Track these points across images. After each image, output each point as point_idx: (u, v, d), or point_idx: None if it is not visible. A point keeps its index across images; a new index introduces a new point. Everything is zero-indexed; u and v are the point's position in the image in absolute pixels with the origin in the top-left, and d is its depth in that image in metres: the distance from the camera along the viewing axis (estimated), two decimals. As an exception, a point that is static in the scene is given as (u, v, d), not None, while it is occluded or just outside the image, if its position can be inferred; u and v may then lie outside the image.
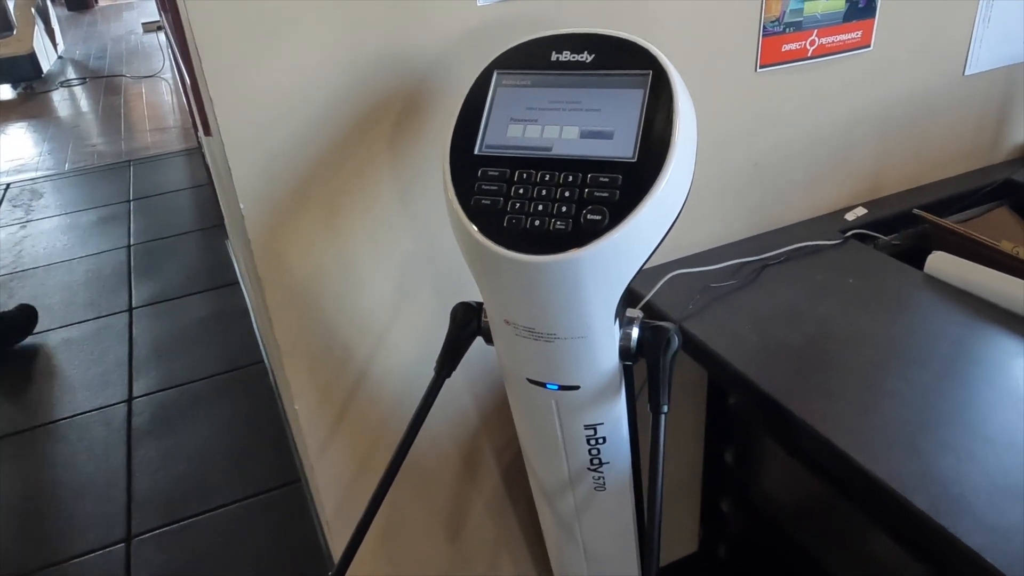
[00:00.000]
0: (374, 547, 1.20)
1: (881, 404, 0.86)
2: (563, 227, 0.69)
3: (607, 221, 0.68)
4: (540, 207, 0.71)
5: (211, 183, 3.29)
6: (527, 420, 0.92)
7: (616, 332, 0.78)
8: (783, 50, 1.10)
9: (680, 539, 1.55)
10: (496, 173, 0.74)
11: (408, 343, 1.05)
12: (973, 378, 0.89)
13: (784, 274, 1.13)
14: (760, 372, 0.93)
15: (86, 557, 1.81)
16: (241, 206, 0.87)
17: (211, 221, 3.42)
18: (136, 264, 3.14)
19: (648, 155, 0.70)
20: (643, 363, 0.82)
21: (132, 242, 3.32)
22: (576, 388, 0.81)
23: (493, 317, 0.80)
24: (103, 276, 3.06)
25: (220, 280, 2.95)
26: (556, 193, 0.71)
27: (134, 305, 2.84)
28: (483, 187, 0.73)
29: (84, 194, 3.85)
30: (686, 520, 1.54)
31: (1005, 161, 1.43)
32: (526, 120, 0.76)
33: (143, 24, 7.39)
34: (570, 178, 0.71)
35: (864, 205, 1.30)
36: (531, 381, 0.83)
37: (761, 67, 1.10)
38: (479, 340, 0.91)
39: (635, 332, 0.80)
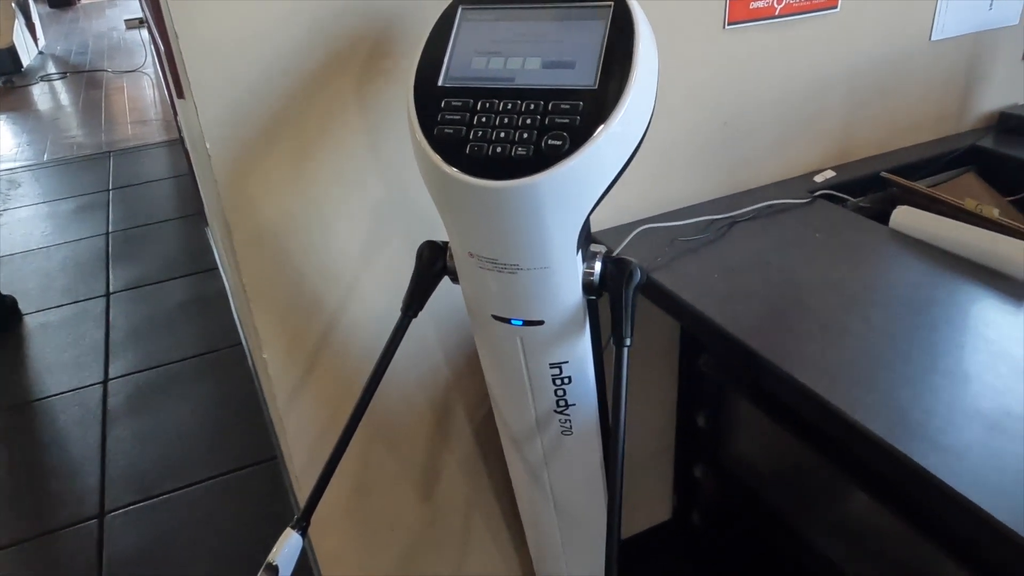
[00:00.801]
0: (345, 506, 1.20)
1: (843, 343, 0.88)
2: (524, 153, 0.70)
3: (568, 146, 0.69)
4: (502, 135, 0.71)
5: (191, 172, 3.27)
6: (494, 361, 0.92)
7: (579, 265, 0.79)
8: (751, 7, 1.12)
9: (653, 507, 1.56)
10: (459, 103, 0.74)
11: (379, 291, 1.05)
12: (933, 320, 0.90)
13: (752, 230, 1.14)
14: (725, 316, 0.94)
15: (59, 532, 1.79)
16: (208, 146, 0.87)
17: (191, 209, 3.41)
18: (114, 251, 3.12)
19: (609, 83, 0.71)
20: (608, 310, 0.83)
21: (111, 230, 3.30)
22: (540, 323, 0.82)
23: (457, 251, 0.81)
24: (81, 263, 3.04)
25: (199, 266, 2.94)
26: (518, 121, 0.71)
27: (112, 290, 2.82)
28: (446, 117, 0.74)
29: (62, 184, 3.82)
30: (659, 488, 1.54)
31: (973, 129, 1.45)
32: (490, 53, 0.76)
33: (125, 21, 7.36)
34: (532, 106, 0.72)
35: (833, 169, 1.31)
36: (496, 318, 0.83)
37: (729, 24, 1.11)
38: (449, 294, 0.92)
39: (598, 265, 0.81)
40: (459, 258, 0.81)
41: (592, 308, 0.85)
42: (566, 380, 0.89)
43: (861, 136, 1.35)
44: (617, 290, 0.80)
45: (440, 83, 0.76)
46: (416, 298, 0.88)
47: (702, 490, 1.49)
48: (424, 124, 0.74)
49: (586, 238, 0.79)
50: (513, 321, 0.83)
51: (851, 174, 1.30)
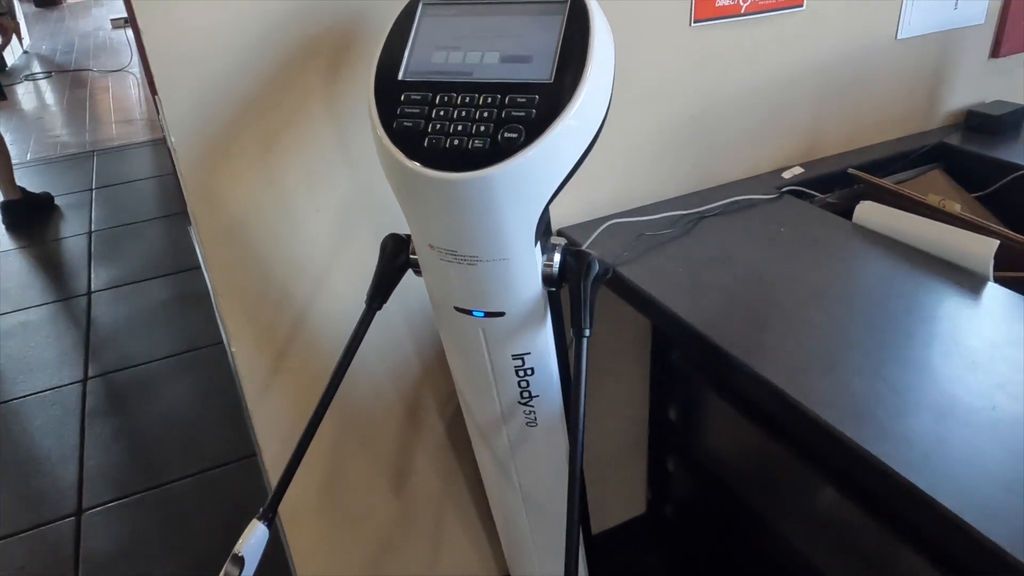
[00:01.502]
0: (317, 500, 1.20)
1: (803, 335, 0.89)
2: (481, 145, 0.71)
3: (523, 139, 0.70)
4: (460, 128, 0.72)
5: (175, 171, 3.27)
6: (458, 353, 0.93)
7: (538, 257, 0.80)
8: (717, 5, 1.13)
9: (628, 501, 1.57)
10: (418, 97, 0.75)
11: (348, 285, 1.05)
12: (893, 312, 0.92)
13: (719, 225, 1.16)
14: (689, 310, 0.95)
15: (35, 531, 1.79)
16: (172, 140, 0.88)
17: (175, 208, 3.40)
18: (96, 250, 3.11)
19: (564, 77, 0.72)
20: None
21: (93, 229, 3.29)
22: (501, 315, 0.83)
23: (418, 243, 0.82)
24: (62, 261, 3.03)
25: (182, 264, 2.93)
26: (476, 114, 0.72)
27: (93, 289, 2.81)
28: (405, 110, 0.75)
29: (45, 183, 3.79)
30: (633, 482, 1.56)
31: (940, 127, 1.47)
32: (449, 47, 0.77)
33: (112, 20, 7.32)
34: (489, 100, 0.73)
35: (801, 165, 1.33)
36: (458, 309, 0.84)
37: (696, 22, 1.13)
38: (420, 287, 0.92)
39: (557, 257, 0.82)
40: (420, 250, 0.82)
41: (554, 300, 0.86)
42: (529, 371, 0.90)
43: (829, 133, 1.37)
44: (576, 281, 0.81)
45: (400, 77, 0.77)
46: (380, 291, 0.89)
47: (675, 483, 1.51)
48: (384, 117, 0.75)
49: (545, 230, 0.81)
50: (475, 312, 0.84)
51: (819, 171, 1.32)
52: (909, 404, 0.77)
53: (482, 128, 0.71)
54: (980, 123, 1.45)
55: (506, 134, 0.70)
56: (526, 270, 0.79)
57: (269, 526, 0.91)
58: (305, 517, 1.20)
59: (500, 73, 0.74)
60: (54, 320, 2.63)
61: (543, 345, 0.87)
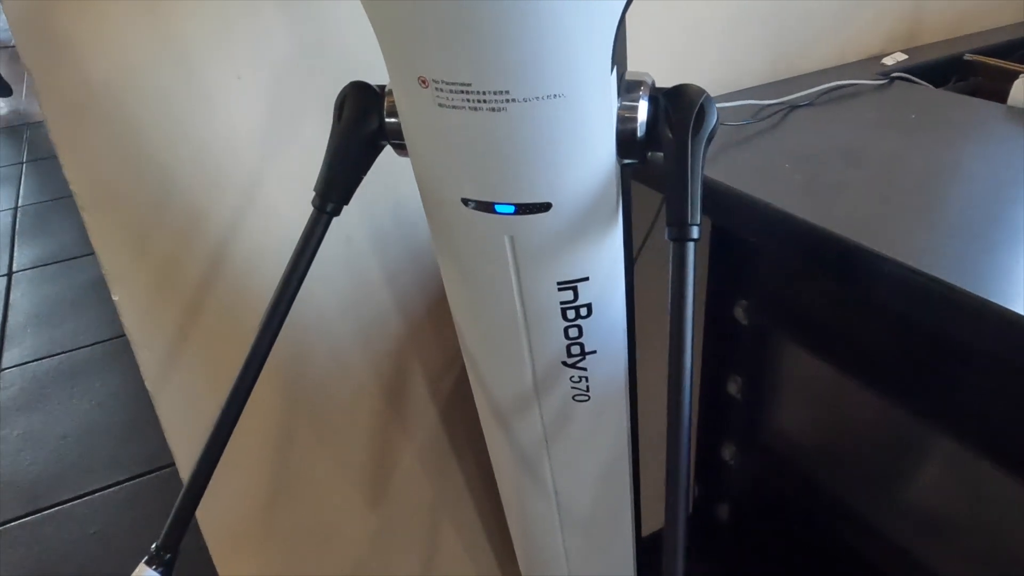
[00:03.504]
0: (261, 517, 0.87)
1: (989, 234, 0.57)
2: None
3: None
4: None
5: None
6: (466, 286, 0.58)
7: (613, 97, 0.46)
8: None
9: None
10: None
11: (291, 198, 0.71)
12: None
13: (820, 115, 0.84)
14: (814, 209, 0.63)
15: (-83, 559, 1.43)
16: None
17: (114, 180, 3.02)
18: (22, 226, 2.74)
19: None
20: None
21: (20, 204, 2.91)
22: (545, 208, 0.49)
23: (401, 85, 0.47)
24: (-20, 240, 2.65)
25: (119, 240, 2.56)
26: None
27: (14, 269, 2.45)
28: None
29: (-30, 157, 3.40)
30: (678, 476, 1.23)
31: (1062, 11, 1.17)
32: None
33: (56, -5, 6.86)
34: None
35: (903, 52, 1.01)
36: (469, 204, 0.50)
37: None
38: (399, 191, 0.57)
39: (644, 103, 0.48)
40: (406, 99, 0.48)
41: (626, 183, 0.52)
42: (583, 311, 0.56)
43: (932, 15, 1.05)
44: (681, 140, 0.47)
45: None
46: (337, 181, 0.54)
47: (732, 477, 1.19)
48: None
49: (620, 57, 0.47)
50: (499, 208, 0.49)
51: (924, 57, 1.01)
52: None
53: None
54: (1113, 4, 1.14)
55: None
56: (593, 120, 0.45)
57: (167, 570, 0.57)
58: (245, 544, 0.86)
59: None
60: (-36, 305, 2.26)
61: (611, 265, 0.53)
